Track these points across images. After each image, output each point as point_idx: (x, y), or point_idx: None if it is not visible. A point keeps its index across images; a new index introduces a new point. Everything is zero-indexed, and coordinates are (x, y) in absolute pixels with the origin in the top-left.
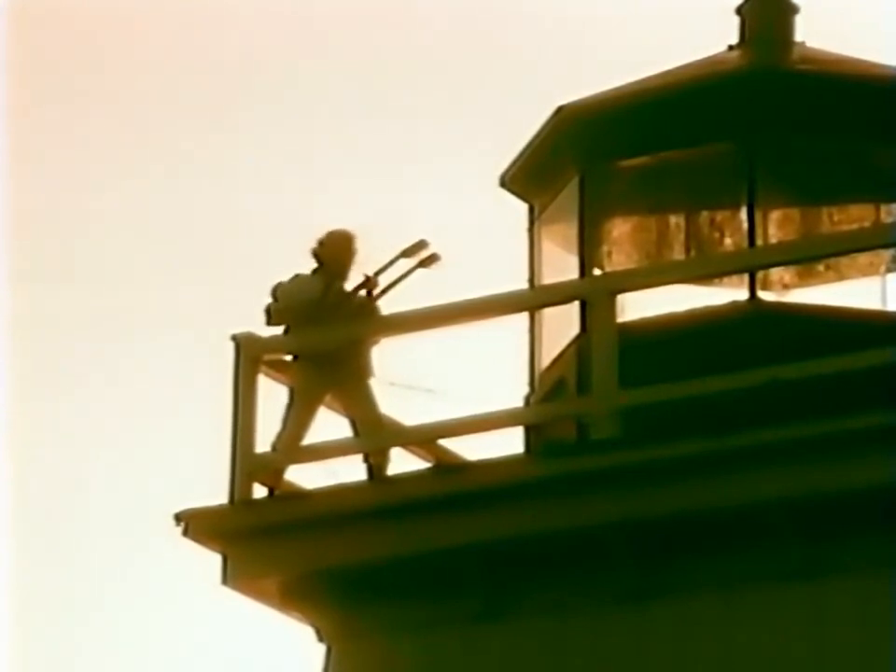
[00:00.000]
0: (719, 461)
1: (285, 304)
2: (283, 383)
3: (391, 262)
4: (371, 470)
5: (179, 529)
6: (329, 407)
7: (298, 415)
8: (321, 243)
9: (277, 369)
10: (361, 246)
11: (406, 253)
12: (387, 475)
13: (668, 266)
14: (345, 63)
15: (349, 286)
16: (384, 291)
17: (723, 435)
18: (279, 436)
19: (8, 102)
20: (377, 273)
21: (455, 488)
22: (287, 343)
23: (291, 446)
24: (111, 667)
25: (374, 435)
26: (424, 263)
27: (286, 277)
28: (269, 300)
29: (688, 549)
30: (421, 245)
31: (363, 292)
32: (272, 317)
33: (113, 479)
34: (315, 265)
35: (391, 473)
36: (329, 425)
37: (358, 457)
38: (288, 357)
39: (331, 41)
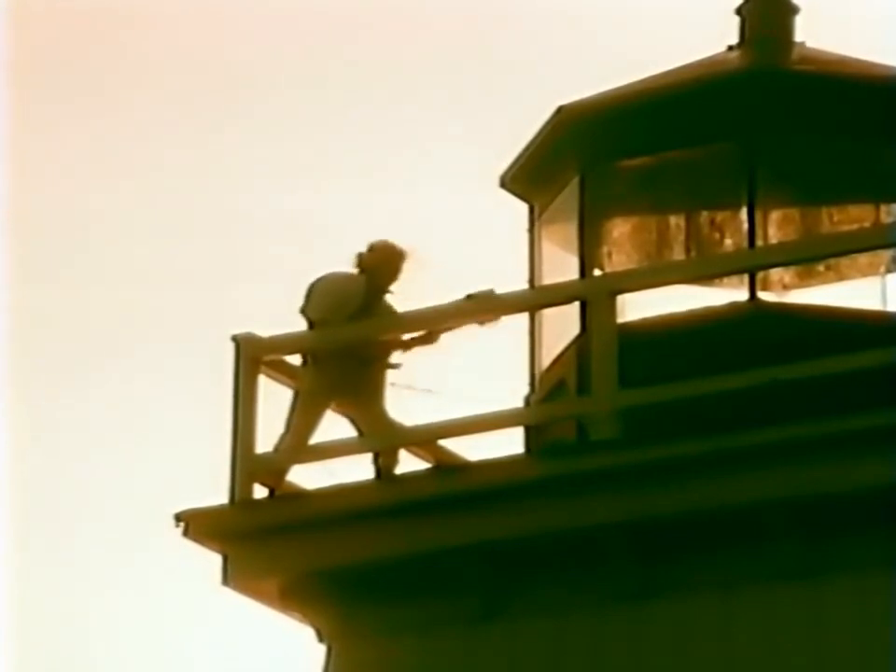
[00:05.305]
0: (719, 461)
1: (324, 303)
2: (287, 385)
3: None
4: (379, 471)
5: (179, 529)
6: (337, 412)
7: (303, 419)
8: (370, 250)
9: (278, 369)
10: (408, 267)
11: (470, 297)
12: (387, 475)
13: (668, 266)
14: (345, 63)
15: (380, 301)
16: (427, 338)
17: (723, 435)
18: (282, 438)
19: (8, 102)
20: (438, 332)
21: (455, 488)
22: (287, 343)
23: (293, 448)
24: (111, 667)
25: (374, 435)
26: (483, 321)
27: (318, 275)
28: (306, 293)
29: (687, 549)
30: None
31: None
32: (310, 320)
33: (113, 479)
34: (356, 270)
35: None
36: (326, 426)
37: (358, 458)
38: (294, 360)
39: (333, 41)
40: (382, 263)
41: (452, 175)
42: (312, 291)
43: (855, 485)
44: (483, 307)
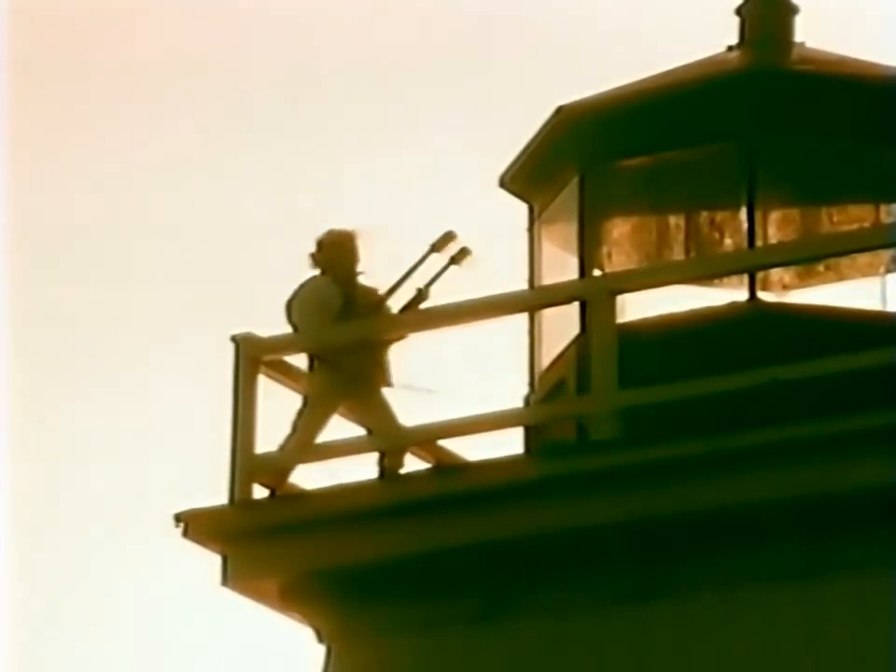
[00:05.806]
0: (719, 461)
1: (307, 315)
2: (287, 385)
3: (421, 260)
4: (383, 472)
5: (179, 529)
6: (343, 415)
7: (309, 420)
8: (319, 245)
9: (278, 369)
10: (363, 245)
11: (435, 247)
12: (390, 475)
13: (668, 266)
14: (345, 63)
15: (354, 288)
16: (419, 297)
17: (723, 435)
18: (288, 439)
19: (8, 102)
20: (408, 274)
21: (455, 488)
22: (287, 343)
23: (294, 447)
24: (111, 667)
25: (374, 435)
26: (456, 260)
27: (294, 287)
28: (286, 316)
29: (688, 549)
30: (449, 237)
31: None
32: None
33: (113, 479)
34: (317, 270)
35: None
36: (326, 426)
37: (359, 458)
38: (293, 360)
39: (332, 40)
40: (336, 255)
41: (452, 174)
42: (291, 310)
43: (855, 485)
44: (481, 307)
